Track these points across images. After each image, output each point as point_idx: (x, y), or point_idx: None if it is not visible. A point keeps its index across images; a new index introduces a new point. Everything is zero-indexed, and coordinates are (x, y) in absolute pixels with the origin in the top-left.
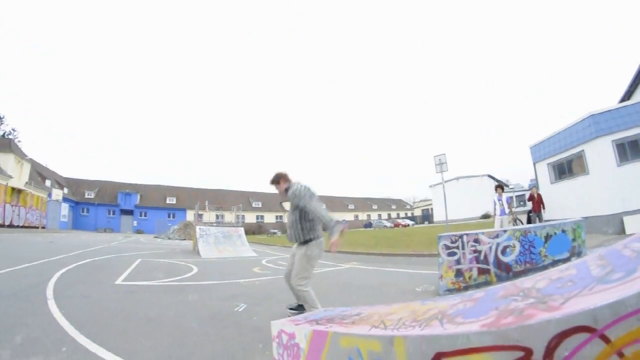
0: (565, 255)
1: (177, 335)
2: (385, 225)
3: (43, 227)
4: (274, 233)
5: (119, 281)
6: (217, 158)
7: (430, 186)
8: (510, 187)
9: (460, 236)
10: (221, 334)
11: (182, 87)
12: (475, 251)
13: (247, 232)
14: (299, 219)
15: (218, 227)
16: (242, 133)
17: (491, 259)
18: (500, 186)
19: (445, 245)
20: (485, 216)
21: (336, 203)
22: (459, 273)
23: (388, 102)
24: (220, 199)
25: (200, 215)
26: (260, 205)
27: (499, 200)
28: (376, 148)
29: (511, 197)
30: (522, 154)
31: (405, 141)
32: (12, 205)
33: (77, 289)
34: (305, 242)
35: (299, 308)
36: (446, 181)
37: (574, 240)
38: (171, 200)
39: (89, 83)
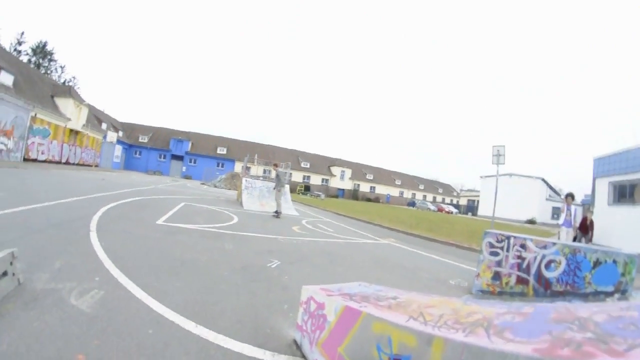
0: (610, 288)
1: (206, 281)
2: (428, 208)
3: (96, 166)
4: (318, 195)
5: (160, 221)
6: (272, 114)
7: (482, 177)
8: (562, 197)
9: (508, 237)
10: (249, 287)
11: (242, 41)
12: (519, 257)
13: (291, 191)
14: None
15: (264, 182)
16: (299, 93)
17: (533, 270)
18: (571, 195)
19: (489, 242)
20: (531, 221)
21: (384, 175)
22: (496, 276)
23: (453, 83)
24: (270, 155)
25: (248, 168)
26: (308, 166)
27: (568, 210)
28: (434, 126)
29: (559, 208)
30: (581, 165)
31: (465, 125)
32: (70, 145)
33: (119, 225)
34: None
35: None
36: (499, 175)
37: (622, 275)
38: (222, 150)
39: (147, 31)
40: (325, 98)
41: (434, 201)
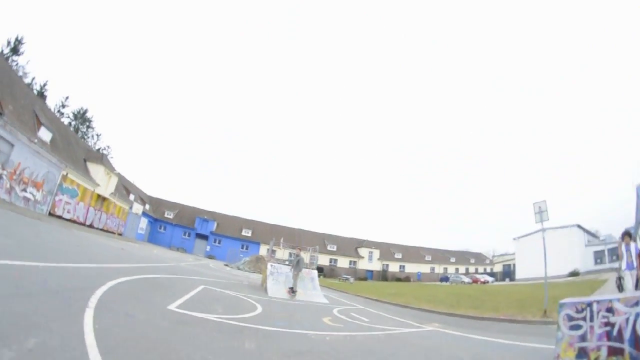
0: None
1: None
2: (463, 281)
3: (120, 234)
4: (347, 279)
5: (172, 306)
6: (297, 197)
7: (515, 239)
8: (601, 239)
9: (589, 304)
10: None
11: (267, 121)
12: (606, 324)
13: (319, 275)
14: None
15: (290, 266)
16: (324, 177)
17: (627, 334)
18: (629, 233)
19: (567, 315)
20: (574, 273)
21: (412, 253)
22: (582, 353)
23: (463, 147)
24: (296, 238)
25: (273, 252)
26: (335, 249)
27: (627, 250)
28: (455, 196)
29: (602, 251)
30: (616, 199)
31: (487, 189)
32: (96, 210)
33: (124, 305)
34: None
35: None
36: (530, 233)
37: None
38: (247, 232)
39: (180, 114)
40: (350, 181)
41: (466, 272)
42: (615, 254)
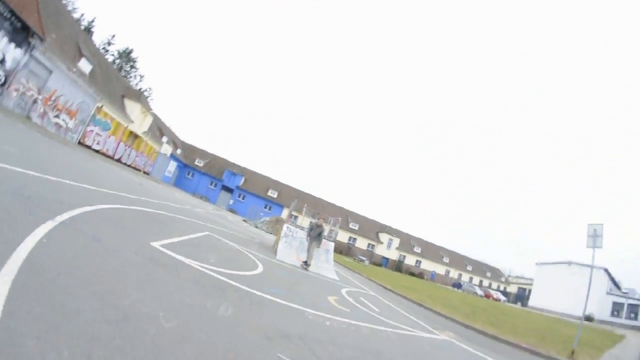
0: None
1: None
2: (475, 292)
3: (146, 173)
4: (362, 261)
5: (156, 244)
6: (327, 168)
7: (537, 264)
8: (623, 290)
9: None
10: None
11: (314, 90)
12: None
13: (335, 250)
14: (318, 235)
15: (307, 235)
16: (358, 153)
17: None
18: None
19: None
20: (589, 318)
21: (431, 250)
22: None
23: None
24: (320, 207)
25: (295, 217)
26: (356, 228)
27: None
28: (488, 204)
29: (620, 304)
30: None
31: (519, 205)
32: (126, 145)
33: (98, 228)
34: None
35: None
36: (555, 262)
37: None
38: (272, 194)
39: (226, 65)
40: (384, 163)
41: (480, 285)
42: (634, 311)
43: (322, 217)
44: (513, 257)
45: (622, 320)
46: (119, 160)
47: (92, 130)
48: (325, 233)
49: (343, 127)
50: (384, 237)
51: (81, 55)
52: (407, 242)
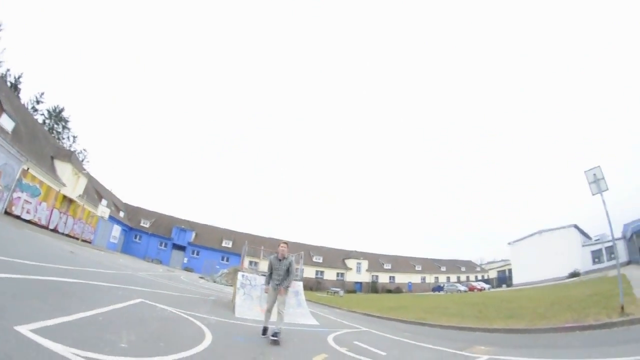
0: None
1: None
2: (458, 289)
3: (84, 241)
4: (336, 292)
5: (29, 327)
6: (281, 208)
7: (510, 243)
8: (595, 238)
9: None
10: None
11: (252, 138)
12: None
13: (304, 288)
14: (286, 272)
15: (267, 277)
16: (309, 187)
17: None
18: None
19: None
20: (574, 274)
21: (402, 263)
22: None
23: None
24: (278, 249)
25: (255, 263)
26: (320, 261)
27: None
28: (439, 208)
29: (599, 250)
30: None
31: (468, 196)
32: (61, 212)
33: None
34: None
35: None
36: (526, 237)
37: None
38: (227, 244)
39: (162, 122)
40: (335, 191)
41: (458, 281)
42: (613, 251)
43: (285, 244)
44: (479, 247)
45: (606, 264)
46: (55, 230)
47: (19, 198)
48: (297, 266)
49: (288, 163)
50: (351, 262)
51: (2, 110)
52: (376, 261)
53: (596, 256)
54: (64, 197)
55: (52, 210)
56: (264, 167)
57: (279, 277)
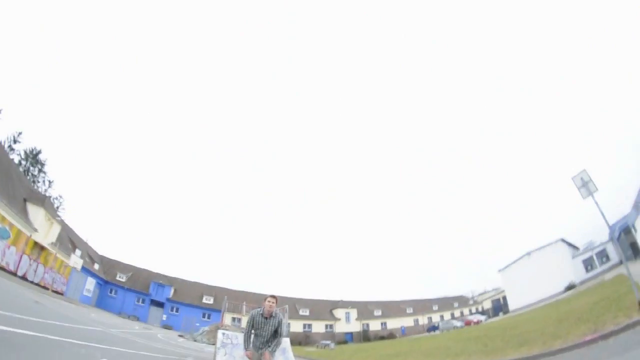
0: None
1: None
2: (455, 326)
3: (55, 292)
4: (327, 345)
5: None
6: (263, 262)
7: (500, 270)
8: (583, 247)
9: None
10: None
11: (230, 182)
12: None
13: (292, 343)
14: (273, 334)
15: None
16: (292, 239)
17: None
18: None
19: None
20: (570, 287)
21: (392, 308)
22: None
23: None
24: (264, 303)
25: (237, 321)
26: (307, 313)
27: None
28: (419, 245)
29: (590, 258)
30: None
31: (450, 231)
32: (31, 259)
33: None
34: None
35: None
36: (515, 261)
37: None
38: (208, 300)
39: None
40: (318, 238)
41: (452, 317)
42: (604, 255)
43: (272, 301)
44: (468, 280)
45: (599, 269)
46: (23, 277)
47: None
48: (284, 327)
49: (270, 216)
50: (339, 312)
51: None
52: (365, 308)
53: (588, 264)
54: (35, 243)
55: (21, 256)
56: (243, 219)
57: (264, 338)
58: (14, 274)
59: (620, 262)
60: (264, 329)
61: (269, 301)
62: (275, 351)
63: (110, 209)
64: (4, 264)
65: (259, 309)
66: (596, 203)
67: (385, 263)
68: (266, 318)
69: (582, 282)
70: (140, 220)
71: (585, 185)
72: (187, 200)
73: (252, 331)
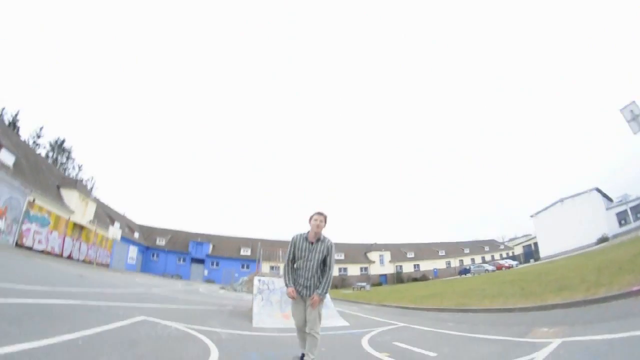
0: None
1: None
2: (487, 269)
3: (101, 264)
4: (362, 287)
5: None
6: (296, 208)
7: (532, 216)
8: (617, 200)
9: None
10: None
11: (263, 135)
12: None
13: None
14: (322, 266)
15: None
16: (323, 181)
17: None
18: None
19: None
20: (603, 239)
21: (425, 250)
22: None
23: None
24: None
25: (276, 269)
26: (342, 257)
27: None
28: (451, 188)
29: (624, 212)
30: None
31: (482, 175)
32: (73, 239)
33: None
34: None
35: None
36: (548, 207)
37: None
38: (245, 252)
39: (168, 138)
40: (350, 184)
41: (483, 261)
42: (639, 211)
43: (320, 218)
44: (499, 224)
45: (633, 225)
46: (69, 257)
47: (29, 229)
48: (334, 257)
49: (300, 158)
50: (373, 255)
51: (0, 145)
52: (398, 251)
53: (622, 218)
54: (75, 224)
55: (64, 238)
56: (274, 169)
57: (309, 272)
58: (60, 255)
59: None
60: (309, 258)
61: (315, 220)
62: (327, 292)
63: (141, 179)
64: (49, 249)
65: (302, 233)
66: None
67: (417, 206)
68: (312, 243)
69: (615, 236)
70: (172, 184)
71: (636, 119)
72: (216, 156)
73: (293, 260)
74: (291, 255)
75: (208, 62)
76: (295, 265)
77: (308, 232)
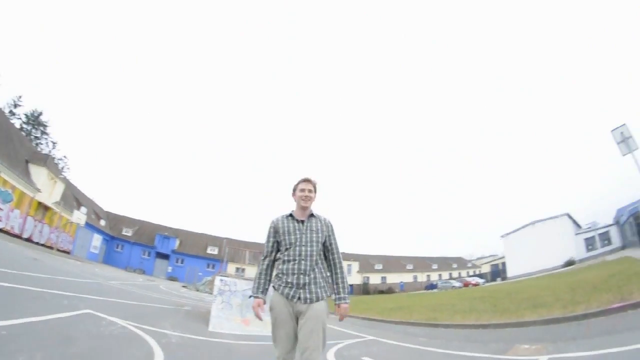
0: None
1: None
2: (453, 286)
3: (61, 251)
4: (328, 296)
5: None
6: (267, 210)
7: (502, 236)
8: (586, 226)
9: None
10: None
11: (236, 135)
12: None
13: None
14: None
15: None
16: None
17: None
18: None
19: None
20: (570, 263)
21: (393, 263)
22: None
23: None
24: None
25: (241, 271)
26: None
27: None
28: (423, 203)
29: (592, 238)
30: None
31: (455, 194)
32: (35, 220)
33: None
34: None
35: None
36: (518, 229)
37: None
38: (212, 250)
39: (143, 127)
40: (324, 189)
41: (450, 278)
42: (606, 237)
43: (307, 184)
44: (468, 243)
45: (600, 251)
46: (29, 240)
47: None
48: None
49: (273, 161)
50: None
51: None
52: (366, 262)
53: (590, 243)
54: (39, 203)
55: (25, 218)
56: (250, 167)
57: (307, 263)
58: (19, 236)
59: (623, 247)
60: (304, 242)
61: (302, 190)
62: (348, 295)
63: (115, 165)
64: (8, 227)
65: (283, 214)
66: (636, 161)
67: (388, 218)
68: (302, 222)
69: (581, 260)
70: (146, 174)
71: (625, 141)
72: (192, 151)
73: (275, 255)
74: (272, 246)
75: (208, 62)
76: (285, 258)
77: (292, 211)
